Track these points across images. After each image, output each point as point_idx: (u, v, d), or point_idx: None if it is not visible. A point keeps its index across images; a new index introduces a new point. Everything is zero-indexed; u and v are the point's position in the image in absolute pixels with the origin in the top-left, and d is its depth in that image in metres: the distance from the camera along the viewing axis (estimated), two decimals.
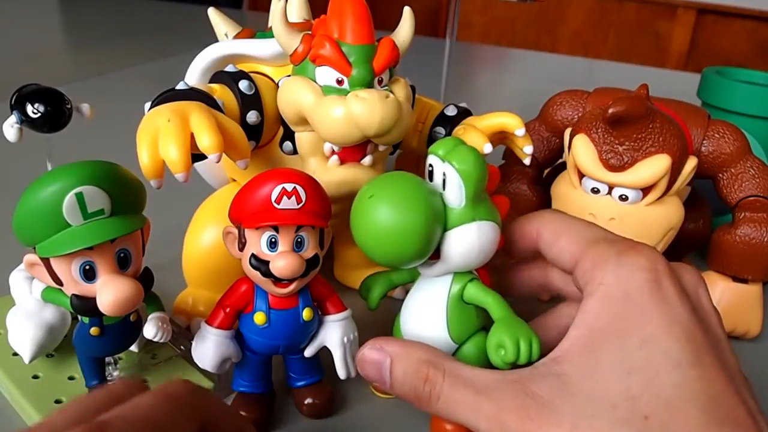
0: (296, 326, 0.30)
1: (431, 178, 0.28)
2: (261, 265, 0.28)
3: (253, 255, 0.28)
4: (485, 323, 0.30)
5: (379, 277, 0.33)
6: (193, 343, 0.31)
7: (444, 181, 0.27)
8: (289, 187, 0.27)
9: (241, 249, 0.29)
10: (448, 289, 0.29)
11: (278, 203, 0.27)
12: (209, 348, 0.30)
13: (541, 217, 0.30)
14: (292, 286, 0.28)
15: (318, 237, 0.29)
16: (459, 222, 0.27)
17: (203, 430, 0.21)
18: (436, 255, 0.28)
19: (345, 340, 0.30)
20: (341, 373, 0.31)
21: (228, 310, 0.30)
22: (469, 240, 0.27)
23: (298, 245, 0.28)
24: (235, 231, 0.29)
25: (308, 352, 0.31)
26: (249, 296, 0.30)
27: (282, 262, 0.27)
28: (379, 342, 0.27)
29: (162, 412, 0.19)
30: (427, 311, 0.29)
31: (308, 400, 0.32)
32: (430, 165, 0.28)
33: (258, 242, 0.28)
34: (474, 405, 0.24)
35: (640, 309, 0.23)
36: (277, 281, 0.28)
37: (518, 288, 0.34)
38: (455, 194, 0.27)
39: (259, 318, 0.29)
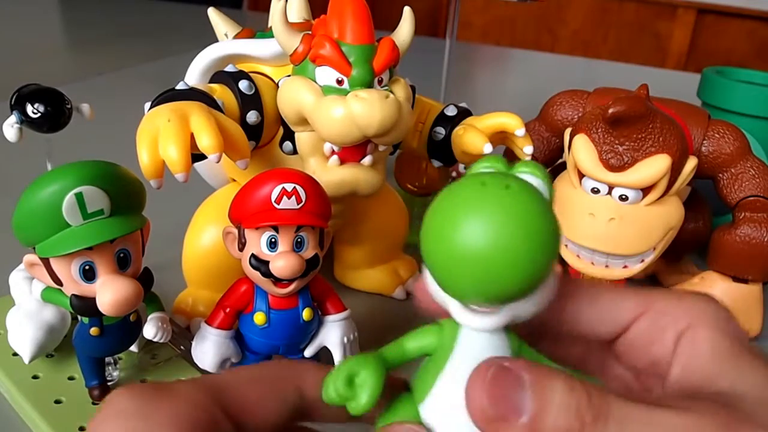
0: (296, 326, 0.30)
1: None
2: (261, 265, 0.28)
3: (253, 255, 0.28)
4: None
5: (365, 360, 0.20)
6: (193, 343, 0.31)
7: None
8: (289, 187, 0.27)
9: (241, 249, 0.29)
10: (509, 348, 0.20)
11: (278, 203, 0.27)
12: (209, 348, 0.30)
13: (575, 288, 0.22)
14: (292, 287, 0.28)
15: (318, 237, 0.29)
16: None
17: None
18: None
19: (345, 340, 0.30)
20: None
21: (228, 310, 0.30)
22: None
23: (298, 245, 0.28)
24: (235, 231, 0.29)
25: (308, 352, 0.31)
26: (249, 296, 0.30)
27: (282, 263, 0.27)
28: None
29: None
30: None
31: None
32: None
33: (258, 242, 0.28)
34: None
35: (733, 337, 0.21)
36: (277, 281, 0.28)
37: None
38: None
39: (259, 318, 0.29)
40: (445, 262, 0.17)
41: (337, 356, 0.30)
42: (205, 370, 0.30)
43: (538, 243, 0.17)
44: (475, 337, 0.20)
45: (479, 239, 0.17)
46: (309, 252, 0.28)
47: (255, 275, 0.28)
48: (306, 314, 0.30)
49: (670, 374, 0.21)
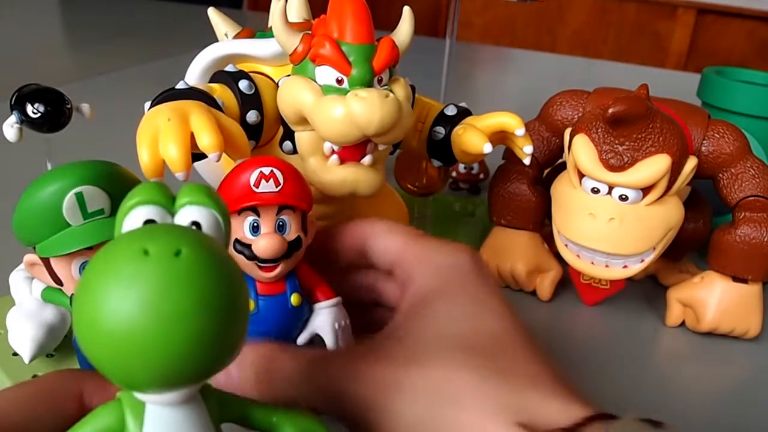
0: (285, 312, 0.29)
1: None
2: (244, 249, 0.28)
3: (236, 240, 0.28)
4: None
5: None
6: None
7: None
8: (266, 170, 0.27)
9: None
10: (208, 416, 0.18)
11: (257, 187, 0.27)
12: None
13: (369, 222, 0.30)
14: (277, 270, 0.28)
15: (300, 221, 0.29)
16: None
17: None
18: None
19: (336, 326, 0.30)
20: None
21: None
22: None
23: (280, 228, 0.28)
24: None
25: (301, 340, 0.31)
26: None
27: (264, 242, 0.27)
28: None
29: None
30: None
31: None
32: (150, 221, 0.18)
33: (241, 227, 0.28)
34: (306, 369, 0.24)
35: (467, 278, 0.26)
36: (262, 264, 0.28)
37: (346, 293, 0.31)
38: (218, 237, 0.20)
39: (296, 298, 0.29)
40: (108, 355, 0.15)
41: (329, 342, 0.30)
42: None
43: (221, 319, 0.15)
44: (161, 412, 0.17)
45: (148, 328, 0.14)
46: (291, 234, 0.28)
47: (240, 260, 0.28)
48: (294, 299, 0.29)
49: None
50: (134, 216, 0.17)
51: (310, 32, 0.32)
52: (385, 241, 0.29)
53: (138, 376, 0.15)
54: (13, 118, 0.32)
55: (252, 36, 0.38)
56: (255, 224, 0.28)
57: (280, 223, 0.28)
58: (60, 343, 0.33)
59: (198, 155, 0.28)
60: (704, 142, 0.41)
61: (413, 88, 0.36)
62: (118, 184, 0.28)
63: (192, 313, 0.14)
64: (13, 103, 0.32)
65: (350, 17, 0.31)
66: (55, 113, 0.32)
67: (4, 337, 0.33)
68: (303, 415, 0.21)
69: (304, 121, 0.32)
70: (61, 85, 0.33)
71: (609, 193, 0.37)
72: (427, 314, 0.25)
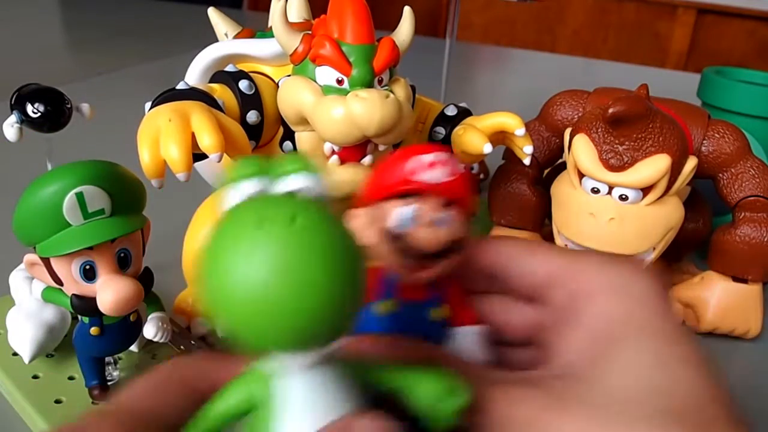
0: (420, 323, 0.25)
1: None
2: (399, 240, 0.23)
3: (389, 230, 0.23)
4: None
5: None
6: None
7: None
8: (438, 157, 0.23)
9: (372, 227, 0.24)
10: (340, 379, 0.18)
11: (423, 173, 0.23)
12: None
13: (505, 241, 0.25)
14: (430, 270, 0.24)
15: (465, 221, 0.24)
16: None
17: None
18: None
19: (480, 356, 0.26)
20: None
21: None
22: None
23: (442, 224, 0.24)
24: (365, 216, 0.24)
25: None
26: (374, 285, 0.25)
27: (427, 232, 0.23)
28: None
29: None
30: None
31: None
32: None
33: (395, 218, 0.23)
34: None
35: (652, 309, 0.21)
36: (417, 262, 0.23)
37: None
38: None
39: (383, 307, 0.25)
40: (236, 320, 0.15)
41: None
42: None
43: (337, 281, 0.15)
44: (294, 380, 0.17)
45: (271, 291, 0.15)
46: (454, 232, 0.23)
47: (390, 255, 0.23)
48: (434, 313, 0.25)
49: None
50: (239, 189, 0.17)
51: (310, 32, 0.32)
52: (532, 260, 0.24)
53: (266, 337, 0.15)
54: (13, 118, 0.32)
55: (252, 36, 0.38)
56: (413, 216, 0.23)
57: (442, 220, 0.23)
58: (60, 343, 0.33)
59: (199, 155, 0.28)
60: (704, 142, 0.41)
61: (413, 88, 0.36)
62: (118, 184, 0.28)
63: (313, 274, 0.15)
64: (13, 103, 0.32)
65: (350, 17, 0.31)
66: (55, 113, 0.32)
67: (4, 337, 0.33)
68: (439, 374, 0.19)
69: (304, 121, 0.32)
70: (61, 85, 0.33)
71: (609, 193, 0.37)
72: (611, 357, 0.20)
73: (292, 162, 0.18)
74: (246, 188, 0.17)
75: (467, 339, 0.26)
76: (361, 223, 0.24)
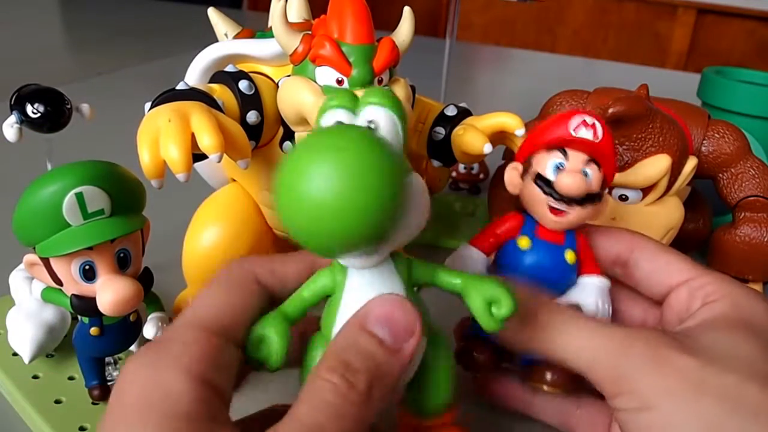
0: (557, 262, 0.29)
1: None
2: (544, 184, 0.28)
3: (538, 174, 0.28)
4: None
5: (269, 320, 0.23)
6: (448, 260, 0.29)
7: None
8: (589, 120, 0.27)
9: (524, 177, 0.29)
10: (398, 277, 0.23)
11: (576, 131, 0.27)
12: (463, 263, 0.29)
13: (636, 234, 0.29)
14: (567, 217, 0.28)
15: (601, 180, 0.28)
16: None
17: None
18: None
19: (600, 304, 0.29)
20: None
21: (492, 239, 0.30)
22: (419, 192, 0.22)
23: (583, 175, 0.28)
24: (520, 166, 0.29)
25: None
26: (517, 227, 0.29)
27: (568, 179, 0.27)
28: None
29: None
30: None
31: (550, 376, 0.29)
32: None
33: (545, 165, 0.28)
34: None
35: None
36: (555, 206, 0.28)
37: None
38: (393, 140, 0.22)
39: (524, 242, 0.29)
40: (297, 223, 0.19)
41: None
42: None
43: (377, 191, 0.18)
44: (360, 273, 0.23)
45: (321, 196, 0.18)
46: (593, 186, 0.28)
47: (534, 197, 0.28)
48: (569, 256, 0.29)
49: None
50: (329, 117, 0.22)
51: (310, 32, 0.32)
52: (667, 267, 0.28)
53: (326, 239, 0.19)
54: (13, 118, 0.32)
55: (252, 36, 0.38)
56: (559, 165, 0.28)
57: (585, 172, 0.28)
58: (60, 343, 0.33)
59: (199, 156, 0.28)
60: (704, 142, 0.41)
61: (413, 89, 0.36)
62: (118, 184, 0.28)
63: (353, 191, 0.18)
64: (13, 103, 0.32)
65: (350, 17, 0.31)
66: (55, 113, 0.32)
67: (4, 337, 0.33)
68: (488, 280, 0.23)
69: (304, 121, 0.32)
70: (61, 85, 0.33)
71: (609, 193, 0.37)
72: (722, 338, 0.24)
73: (372, 95, 0.22)
74: (334, 116, 0.22)
75: (590, 287, 0.29)
76: (513, 174, 0.29)
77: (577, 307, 0.28)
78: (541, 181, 0.28)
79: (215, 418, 0.19)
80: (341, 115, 0.22)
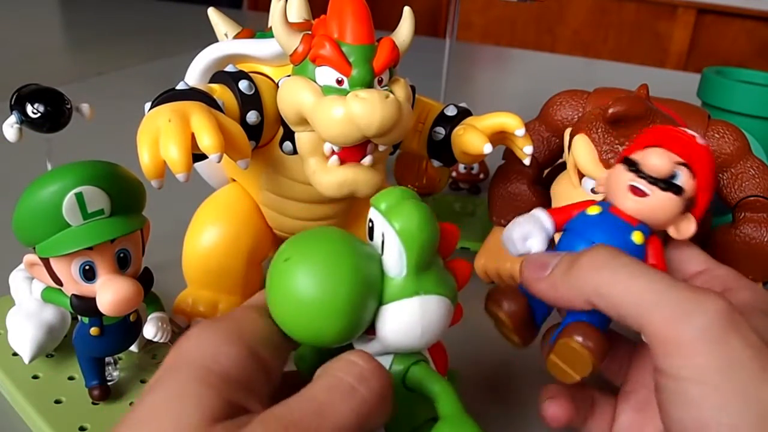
0: (622, 237, 0.28)
1: (371, 237, 0.24)
2: (631, 163, 0.28)
3: (625, 157, 0.28)
4: (432, 415, 0.24)
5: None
6: (513, 224, 0.30)
7: (383, 243, 0.23)
8: (690, 132, 0.28)
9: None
10: (389, 369, 0.24)
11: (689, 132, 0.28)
12: (524, 221, 0.29)
13: (590, 281, 0.26)
14: (649, 199, 0.27)
15: (690, 187, 0.28)
16: (397, 296, 0.23)
17: None
18: (371, 330, 0.24)
19: None
20: None
21: (566, 214, 0.29)
22: (408, 318, 0.23)
23: (671, 178, 0.28)
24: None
25: None
26: (591, 204, 0.29)
27: (656, 156, 0.27)
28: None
29: None
30: None
31: (579, 338, 0.26)
32: (371, 220, 0.24)
33: (645, 154, 0.28)
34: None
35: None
36: (636, 186, 0.27)
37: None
38: (395, 261, 0.23)
39: (594, 209, 0.28)
40: (284, 322, 0.23)
41: None
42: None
43: (311, 311, 0.22)
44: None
45: (274, 304, 0.23)
46: (680, 181, 0.27)
47: (618, 177, 0.28)
48: (636, 236, 0.28)
49: None
50: (371, 211, 0.25)
51: (310, 32, 0.32)
52: (680, 247, 0.29)
53: (298, 334, 0.23)
54: (13, 118, 0.32)
55: (252, 36, 0.38)
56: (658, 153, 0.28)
57: (674, 172, 0.27)
58: (60, 343, 0.33)
59: (198, 156, 0.28)
60: None
61: (413, 89, 0.36)
62: (118, 184, 0.28)
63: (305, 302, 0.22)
64: (13, 103, 0.32)
65: (350, 17, 0.31)
66: (55, 113, 0.32)
67: (4, 337, 0.33)
68: (466, 425, 0.23)
69: (304, 121, 0.32)
70: (61, 85, 0.33)
71: None
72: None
73: (398, 218, 0.23)
74: (371, 212, 0.24)
75: None
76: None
77: None
78: (629, 160, 0.28)
79: (251, 388, 0.21)
80: (374, 213, 0.24)
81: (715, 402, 0.21)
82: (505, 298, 0.29)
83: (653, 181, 0.27)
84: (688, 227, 0.28)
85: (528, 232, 0.29)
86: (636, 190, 0.27)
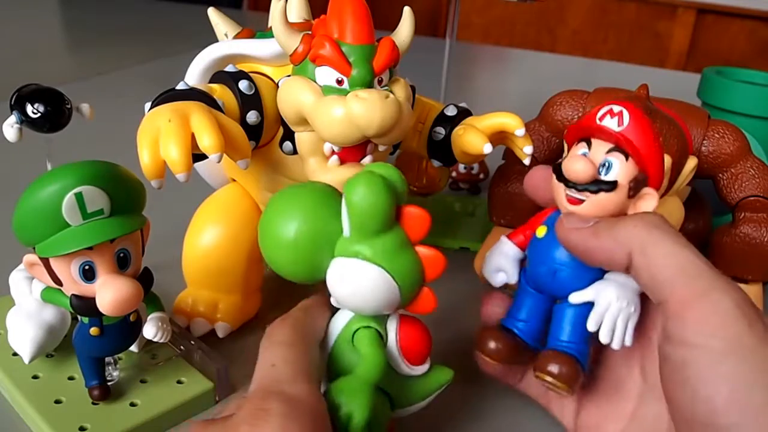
0: (565, 252, 0.28)
1: None
2: (558, 169, 0.28)
3: (558, 163, 0.28)
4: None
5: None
6: (488, 255, 0.31)
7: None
8: (616, 108, 0.27)
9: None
10: (341, 326, 0.28)
11: (600, 120, 0.27)
12: (494, 255, 0.31)
13: (638, 234, 0.26)
14: (585, 205, 0.27)
15: (627, 172, 0.27)
16: (340, 253, 0.26)
17: None
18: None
19: (618, 302, 0.27)
20: (605, 338, 0.27)
21: (527, 232, 0.31)
22: (342, 276, 0.26)
23: (606, 169, 0.27)
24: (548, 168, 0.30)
25: (574, 298, 0.28)
26: (541, 218, 0.30)
27: (572, 163, 0.27)
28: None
29: None
30: (327, 341, 0.29)
31: (553, 367, 0.28)
32: None
33: (570, 155, 0.28)
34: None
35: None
36: (569, 195, 0.27)
37: None
38: (345, 221, 0.26)
39: (541, 230, 0.29)
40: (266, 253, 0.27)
41: (595, 314, 0.28)
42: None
43: (273, 242, 0.26)
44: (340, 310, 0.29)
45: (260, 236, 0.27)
46: (611, 176, 0.27)
47: (554, 185, 0.28)
48: None
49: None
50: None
51: (310, 32, 0.32)
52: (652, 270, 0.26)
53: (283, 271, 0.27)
54: (13, 118, 0.32)
55: (252, 36, 0.38)
56: (584, 155, 0.27)
57: (606, 164, 0.27)
58: (60, 343, 0.33)
59: (199, 156, 0.28)
60: (704, 142, 0.41)
61: (413, 89, 0.36)
62: (118, 184, 0.28)
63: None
64: (13, 103, 0.32)
65: (350, 17, 0.31)
66: (55, 113, 0.32)
67: (4, 337, 0.33)
68: (361, 381, 0.26)
69: (304, 121, 0.32)
70: (61, 85, 0.33)
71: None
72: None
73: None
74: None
75: (609, 283, 0.28)
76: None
77: (591, 304, 0.28)
78: (557, 168, 0.28)
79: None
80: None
81: (747, 377, 0.22)
82: (490, 337, 0.30)
83: (582, 188, 0.27)
84: (648, 204, 0.28)
85: (498, 265, 0.31)
86: (572, 199, 0.27)
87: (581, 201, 0.27)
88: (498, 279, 0.31)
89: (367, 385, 0.25)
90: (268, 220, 0.27)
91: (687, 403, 0.23)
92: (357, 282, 0.26)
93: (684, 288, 0.24)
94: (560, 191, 0.28)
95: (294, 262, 0.26)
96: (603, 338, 0.27)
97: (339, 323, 0.28)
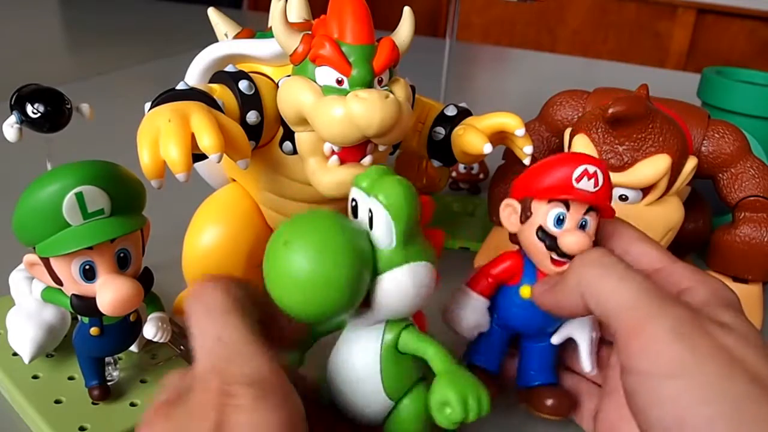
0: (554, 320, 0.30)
1: (355, 215, 0.26)
2: (547, 238, 0.28)
3: (540, 228, 0.28)
4: (424, 375, 0.28)
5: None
6: (451, 306, 0.31)
7: (370, 218, 0.25)
8: (591, 169, 0.28)
9: (523, 222, 0.29)
10: (380, 338, 0.27)
11: (578, 182, 0.28)
12: (469, 313, 0.31)
13: (613, 224, 0.29)
14: (567, 266, 0.28)
15: (596, 222, 0.29)
16: (390, 266, 0.25)
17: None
18: (365, 303, 0.26)
19: (593, 335, 0.31)
20: (586, 366, 0.30)
21: (491, 279, 0.31)
22: (402, 286, 0.25)
23: (581, 228, 0.28)
24: (516, 204, 0.30)
25: (555, 339, 0.31)
26: (516, 270, 0.31)
27: (572, 239, 0.27)
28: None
29: None
30: (357, 366, 0.27)
31: (550, 401, 0.31)
32: (354, 200, 0.26)
33: (546, 216, 0.28)
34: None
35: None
36: (556, 259, 0.28)
37: None
38: (384, 234, 0.25)
39: (526, 291, 0.30)
40: (277, 295, 0.24)
41: (583, 350, 0.30)
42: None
43: (312, 290, 0.23)
44: (349, 329, 0.28)
45: (273, 286, 0.24)
46: (590, 234, 0.28)
47: (537, 248, 0.29)
48: None
49: None
50: (353, 190, 0.27)
51: (310, 32, 0.32)
52: (631, 248, 0.28)
53: (294, 311, 0.24)
54: (13, 118, 0.32)
55: (252, 36, 0.38)
56: (561, 217, 0.28)
57: (583, 223, 0.28)
58: (60, 343, 0.33)
59: (199, 156, 0.28)
60: (704, 142, 0.41)
61: (413, 88, 0.36)
62: (118, 184, 0.28)
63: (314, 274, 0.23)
64: (13, 103, 0.32)
65: (350, 17, 0.31)
66: (55, 113, 0.32)
67: (4, 337, 0.33)
68: (465, 378, 0.25)
69: (304, 121, 0.32)
70: (61, 85, 0.33)
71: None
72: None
73: (383, 192, 0.25)
74: (353, 192, 0.26)
75: (586, 320, 0.30)
76: (509, 213, 0.30)
77: (573, 341, 0.31)
78: (544, 234, 0.28)
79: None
80: (357, 193, 0.26)
81: (690, 396, 0.22)
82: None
83: (568, 256, 0.28)
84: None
85: (476, 322, 0.31)
86: (558, 263, 0.28)
87: (566, 263, 0.28)
88: (475, 333, 0.32)
89: (459, 370, 0.25)
90: (298, 270, 0.23)
91: (644, 428, 0.24)
92: (415, 285, 0.25)
93: (627, 320, 0.24)
94: (544, 254, 0.29)
95: (345, 303, 0.24)
96: (591, 371, 0.31)
97: (367, 343, 0.27)
